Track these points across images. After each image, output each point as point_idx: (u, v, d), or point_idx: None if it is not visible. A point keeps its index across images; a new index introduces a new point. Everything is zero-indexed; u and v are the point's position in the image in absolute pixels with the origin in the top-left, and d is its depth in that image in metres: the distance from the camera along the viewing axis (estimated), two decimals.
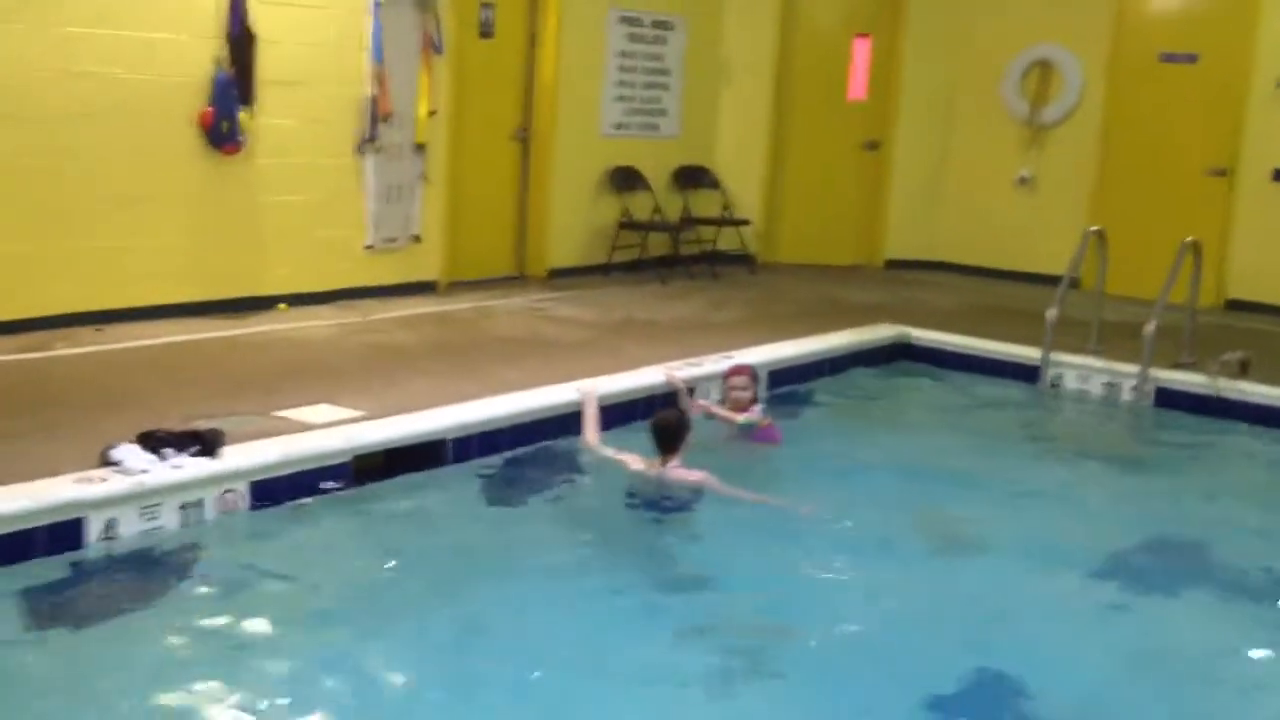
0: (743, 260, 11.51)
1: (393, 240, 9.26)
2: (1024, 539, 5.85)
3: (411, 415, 6.04)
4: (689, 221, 11.33)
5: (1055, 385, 8.26)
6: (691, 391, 7.12)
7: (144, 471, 4.98)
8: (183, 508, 5.02)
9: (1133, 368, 8.08)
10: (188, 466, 5.08)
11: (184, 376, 6.74)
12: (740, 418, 6.64)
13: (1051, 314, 8.16)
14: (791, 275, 11.45)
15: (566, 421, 6.49)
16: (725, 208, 11.53)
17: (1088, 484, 6.84)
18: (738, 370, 6.92)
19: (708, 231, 11.38)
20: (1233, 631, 5.05)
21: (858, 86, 11.99)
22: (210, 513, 5.11)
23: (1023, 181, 11.62)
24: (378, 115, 8.90)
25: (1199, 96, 10.76)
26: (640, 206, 10.96)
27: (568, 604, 4.85)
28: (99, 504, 4.77)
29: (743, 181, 11.77)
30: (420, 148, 9.27)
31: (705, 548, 5.50)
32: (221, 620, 4.49)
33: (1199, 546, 5.93)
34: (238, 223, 8.37)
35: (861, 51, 11.92)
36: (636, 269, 11.02)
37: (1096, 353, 8.39)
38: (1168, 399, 7.93)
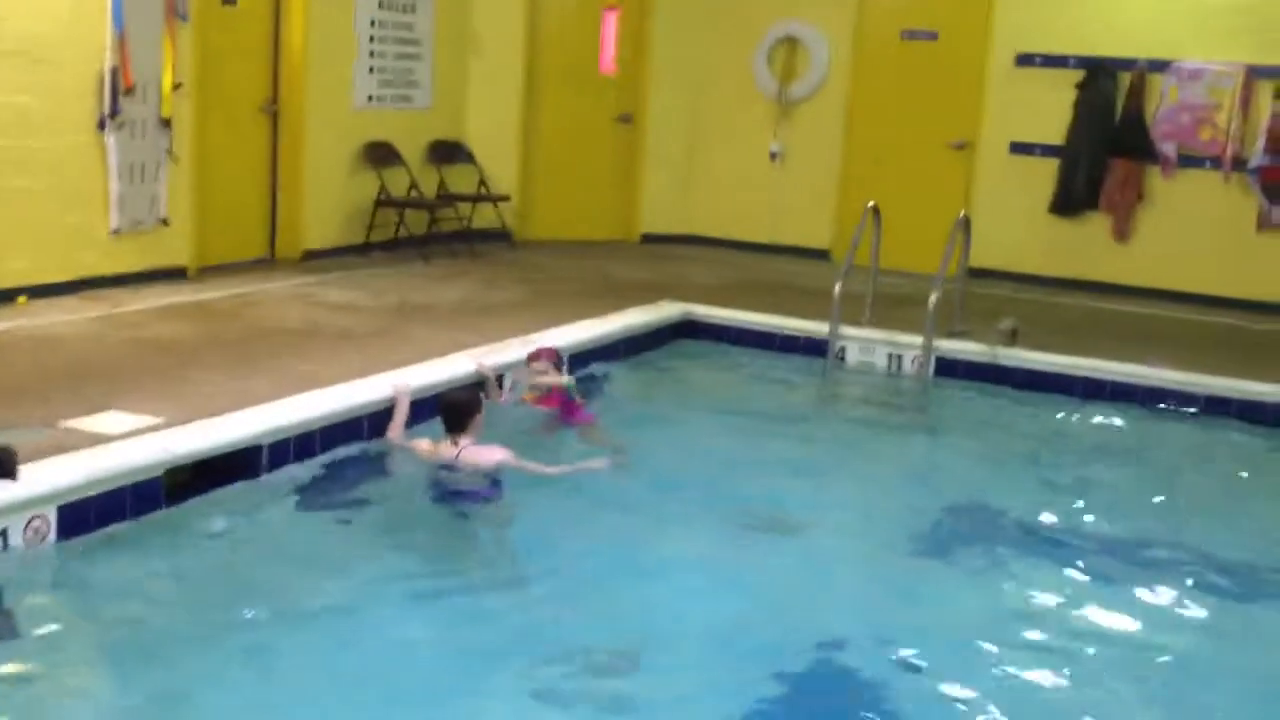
0: (500, 237, 11.20)
1: (139, 224, 8.50)
2: (836, 513, 5.90)
3: (219, 420, 5.52)
4: (447, 198, 10.94)
5: (840, 358, 8.39)
6: (500, 380, 6.85)
7: None
8: None
9: (913, 338, 8.29)
10: None
11: None
12: (562, 379, 6.62)
13: (838, 288, 8.26)
14: (551, 252, 11.22)
15: (381, 419, 6.11)
16: (481, 183, 11.18)
17: (889, 454, 7.00)
18: (538, 354, 6.75)
19: (464, 208, 11.01)
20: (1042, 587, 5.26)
21: (608, 60, 11.84)
22: (16, 543, 4.51)
23: (774, 156, 11.77)
24: (119, 88, 8.12)
25: (940, 72, 11.14)
26: (396, 183, 10.48)
27: (394, 616, 4.58)
28: None
29: (497, 156, 11.43)
30: (165, 123, 8.53)
31: (514, 535, 5.37)
32: (36, 669, 4.00)
33: (995, 510, 6.14)
34: None
35: (611, 24, 11.77)
36: (394, 248, 10.55)
37: (871, 324, 8.57)
38: (947, 368, 8.17)
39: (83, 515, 4.72)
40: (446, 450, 5.69)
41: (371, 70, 10.36)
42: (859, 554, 5.49)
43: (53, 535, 4.63)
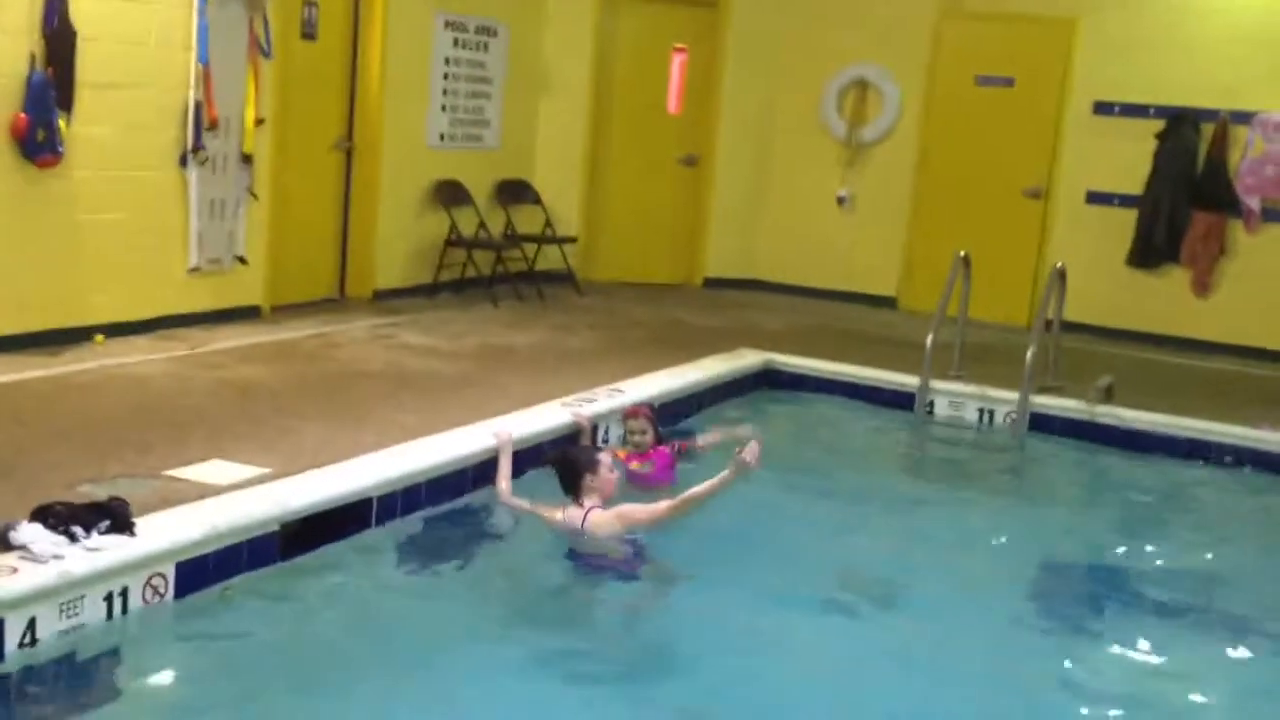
0: (564, 278, 11.03)
1: (217, 261, 8.35)
2: (948, 581, 5.65)
3: (330, 472, 5.34)
4: (514, 238, 10.79)
5: (928, 412, 8.18)
6: (595, 430, 6.67)
7: (57, 557, 4.15)
8: (107, 599, 4.21)
9: (1004, 393, 8.09)
10: (108, 548, 4.26)
11: (31, 428, 5.78)
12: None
13: (930, 340, 8.06)
14: (616, 295, 11.06)
15: (485, 471, 5.92)
16: (547, 224, 11.03)
17: (996, 515, 6.79)
18: (634, 412, 6.47)
19: (529, 248, 10.86)
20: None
21: (675, 101, 11.71)
22: (136, 603, 4.32)
23: (841, 201, 11.61)
24: (203, 123, 7.99)
25: (1015, 119, 10.98)
26: (465, 222, 10.34)
27: (513, 687, 4.35)
28: (18, 602, 3.93)
29: (562, 196, 11.30)
30: (247, 159, 8.39)
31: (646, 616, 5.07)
32: None
33: (1110, 571, 6.01)
34: (52, 244, 7.33)
35: (679, 65, 11.64)
36: (461, 288, 10.40)
37: (959, 377, 8.38)
38: (1041, 424, 7.95)
39: (200, 572, 4.53)
40: (573, 515, 5.36)
41: (444, 108, 10.23)
42: (981, 627, 5.26)
43: (170, 593, 4.43)
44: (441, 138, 10.27)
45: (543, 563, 5.31)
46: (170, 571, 4.42)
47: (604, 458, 5.47)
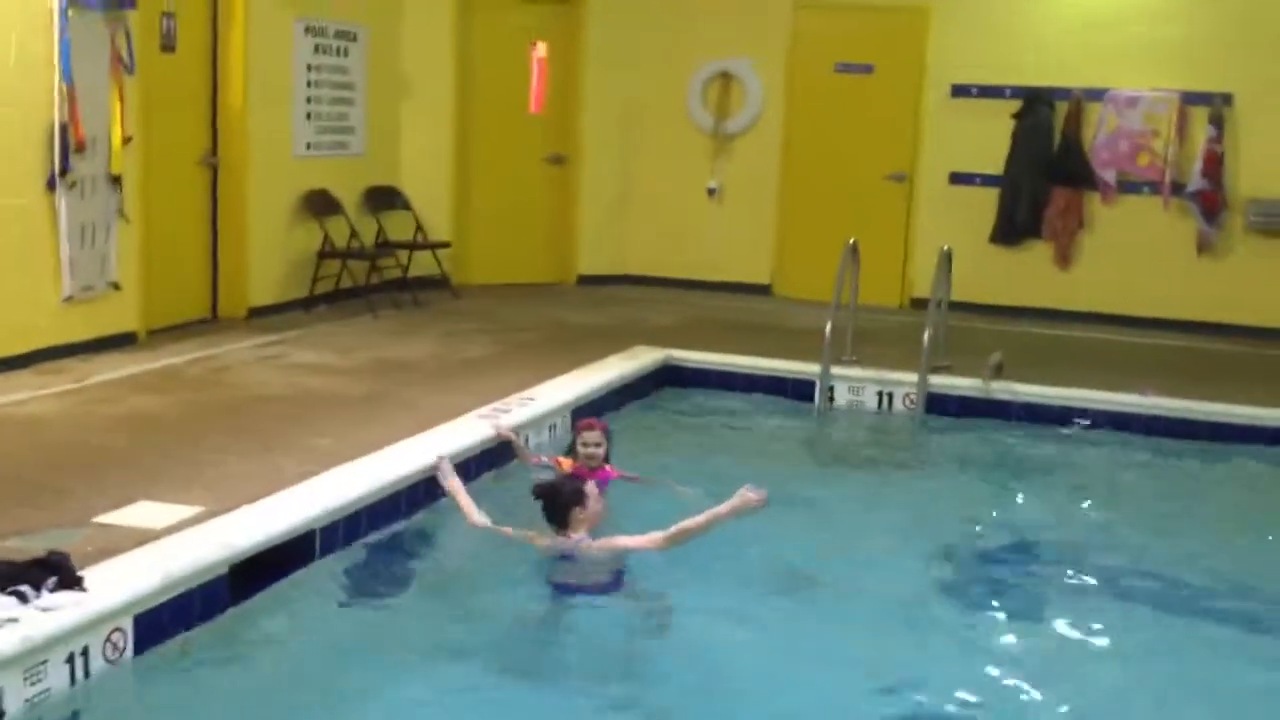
0: (438, 284, 10.84)
1: (90, 288, 7.96)
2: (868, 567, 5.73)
3: (268, 507, 5.13)
4: (386, 246, 10.56)
5: (830, 399, 8.28)
6: (525, 440, 6.57)
7: (11, 620, 3.89)
8: (69, 661, 3.97)
9: (899, 375, 8.25)
10: (63, 606, 4.02)
11: None
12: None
13: (829, 328, 8.15)
14: (492, 297, 10.91)
15: (418, 493, 5.78)
16: (418, 229, 10.82)
17: (907, 497, 6.90)
18: (591, 424, 6.21)
19: (401, 255, 10.64)
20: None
21: (537, 100, 11.58)
22: (98, 663, 4.08)
23: (711, 192, 11.67)
24: (70, 144, 7.60)
25: (876, 105, 11.19)
26: (336, 232, 10.07)
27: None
28: None
29: (431, 200, 11.08)
30: (116, 180, 8.01)
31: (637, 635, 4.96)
32: None
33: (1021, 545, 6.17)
34: None
35: (539, 64, 11.51)
36: (335, 300, 10.13)
37: (854, 362, 8.50)
38: (938, 404, 8.13)
39: (157, 624, 4.31)
40: (562, 543, 5.18)
41: (309, 116, 9.94)
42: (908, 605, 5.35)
43: (129, 650, 4.20)
44: (308, 146, 9.98)
45: (505, 585, 5.18)
46: (129, 626, 4.19)
47: (590, 489, 5.29)
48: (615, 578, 5.09)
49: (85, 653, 4.02)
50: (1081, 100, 10.59)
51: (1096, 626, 5.23)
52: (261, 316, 9.50)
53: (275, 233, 9.67)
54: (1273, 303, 10.37)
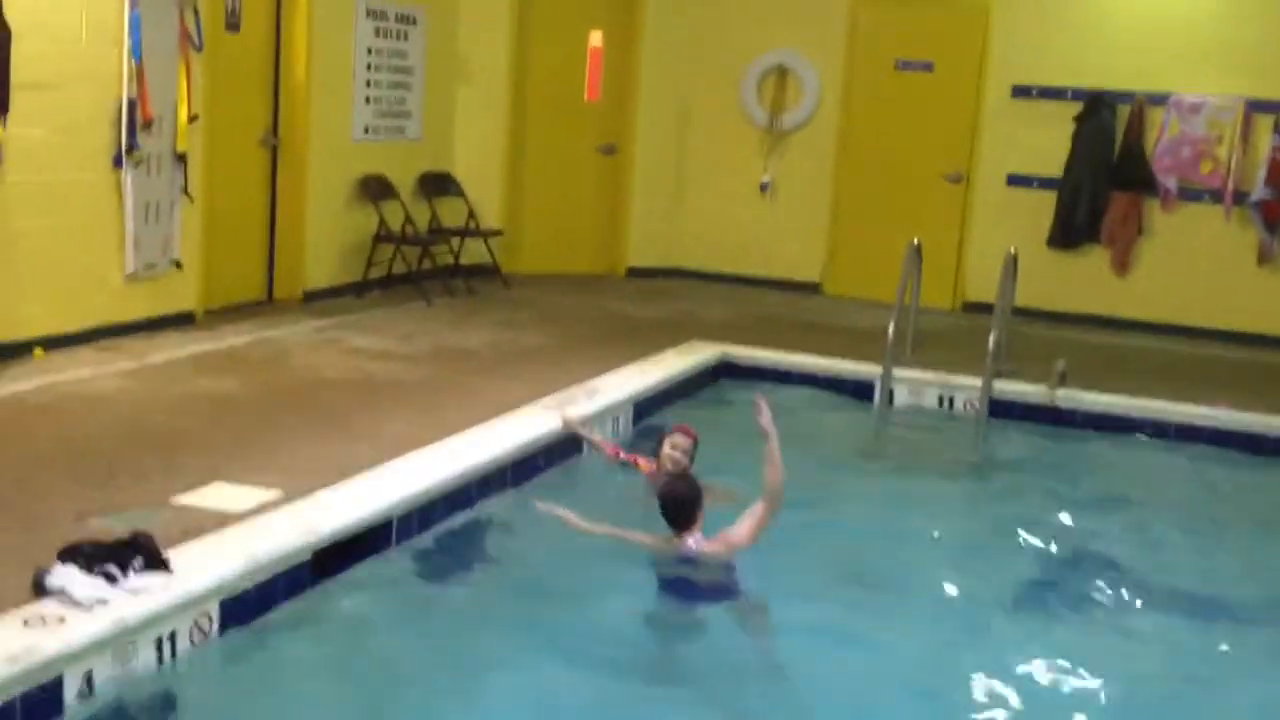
0: (489, 272, 10.80)
1: (152, 266, 7.95)
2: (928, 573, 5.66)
3: (350, 491, 5.10)
4: (440, 232, 10.52)
5: (889, 400, 8.20)
6: (577, 441, 6.50)
7: (101, 601, 3.87)
8: (156, 644, 3.94)
9: (962, 379, 8.17)
10: (151, 588, 3.99)
11: (7, 455, 5.41)
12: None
13: (891, 328, 8.07)
14: (543, 287, 10.86)
15: (490, 481, 5.74)
16: (470, 216, 10.78)
17: (971, 502, 6.84)
18: (685, 430, 6.06)
19: (454, 242, 10.60)
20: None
21: (593, 87, 11.50)
22: (184, 645, 4.05)
23: (764, 187, 11.59)
24: (137, 121, 7.58)
25: (935, 104, 11.08)
26: (391, 217, 10.03)
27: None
28: (77, 654, 3.64)
29: (483, 188, 11.04)
30: (181, 158, 8.00)
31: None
32: None
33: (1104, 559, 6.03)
34: None
35: (597, 52, 11.43)
36: (388, 285, 10.09)
37: (914, 364, 8.43)
38: (1000, 409, 8.04)
39: (242, 607, 4.28)
40: (681, 545, 5.08)
41: (368, 100, 9.90)
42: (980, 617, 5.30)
43: (215, 632, 4.18)
44: (366, 130, 9.94)
45: (571, 570, 5.15)
46: (215, 609, 4.16)
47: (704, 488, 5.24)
48: (730, 577, 5.03)
49: (173, 636, 3.99)
50: (1144, 104, 10.46)
51: (1150, 639, 5.17)
52: (316, 300, 9.48)
53: (332, 216, 9.64)
54: None
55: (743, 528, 5.09)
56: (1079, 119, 10.65)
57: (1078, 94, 10.64)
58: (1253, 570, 5.96)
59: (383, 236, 9.93)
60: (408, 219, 10.17)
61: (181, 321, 8.25)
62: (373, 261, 9.96)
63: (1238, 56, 10.24)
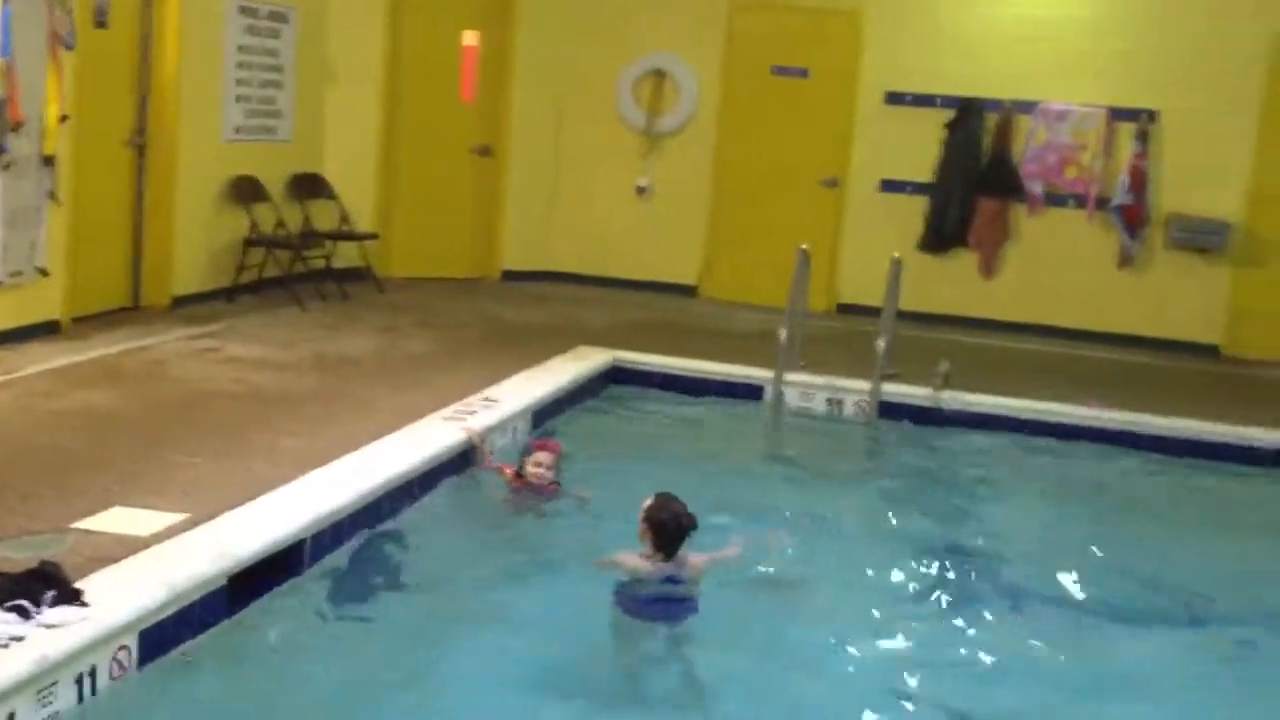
0: (362, 276, 10.55)
1: (19, 274, 7.56)
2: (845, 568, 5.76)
3: (260, 512, 4.91)
4: (312, 235, 10.24)
5: (779, 404, 8.25)
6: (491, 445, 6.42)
7: (16, 638, 3.64)
8: (78, 681, 3.73)
9: (850, 382, 8.27)
10: (68, 621, 3.77)
11: None
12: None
13: (784, 333, 8.13)
14: (420, 291, 10.66)
15: (398, 495, 5.61)
16: (343, 219, 10.52)
17: (864, 502, 6.92)
18: (546, 446, 6.22)
19: (325, 245, 10.33)
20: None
21: (468, 87, 11.32)
22: (104, 680, 3.84)
23: (641, 190, 11.57)
24: (5, 123, 7.20)
25: (811, 110, 11.20)
26: (263, 220, 9.73)
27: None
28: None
29: (355, 189, 10.78)
30: (49, 160, 7.62)
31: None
32: None
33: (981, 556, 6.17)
34: None
35: (472, 51, 11.26)
36: (258, 290, 9.78)
37: (803, 368, 8.49)
38: (888, 411, 8.16)
39: (160, 638, 4.08)
40: (664, 564, 4.98)
41: (238, 100, 9.59)
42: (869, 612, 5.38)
43: (133, 665, 3.97)
44: (237, 131, 9.62)
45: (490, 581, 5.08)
46: (134, 641, 3.95)
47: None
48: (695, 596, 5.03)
49: (93, 672, 3.78)
50: (1012, 112, 10.74)
51: (1040, 627, 5.30)
52: (185, 306, 9.15)
53: (201, 219, 9.31)
54: (1189, 317, 10.65)
55: (718, 555, 5.17)
56: (950, 126, 10.88)
57: (948, 101, 10.86)
58: (1134, 559, 6.13)
59: (254, 240, 9.63)
60: (279, 222, 9.89)
61: (47, 331, 7.87)
62: (243, 265, 9.65)
63: (1102, 66, 10.58)
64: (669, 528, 4.93)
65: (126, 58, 8.65)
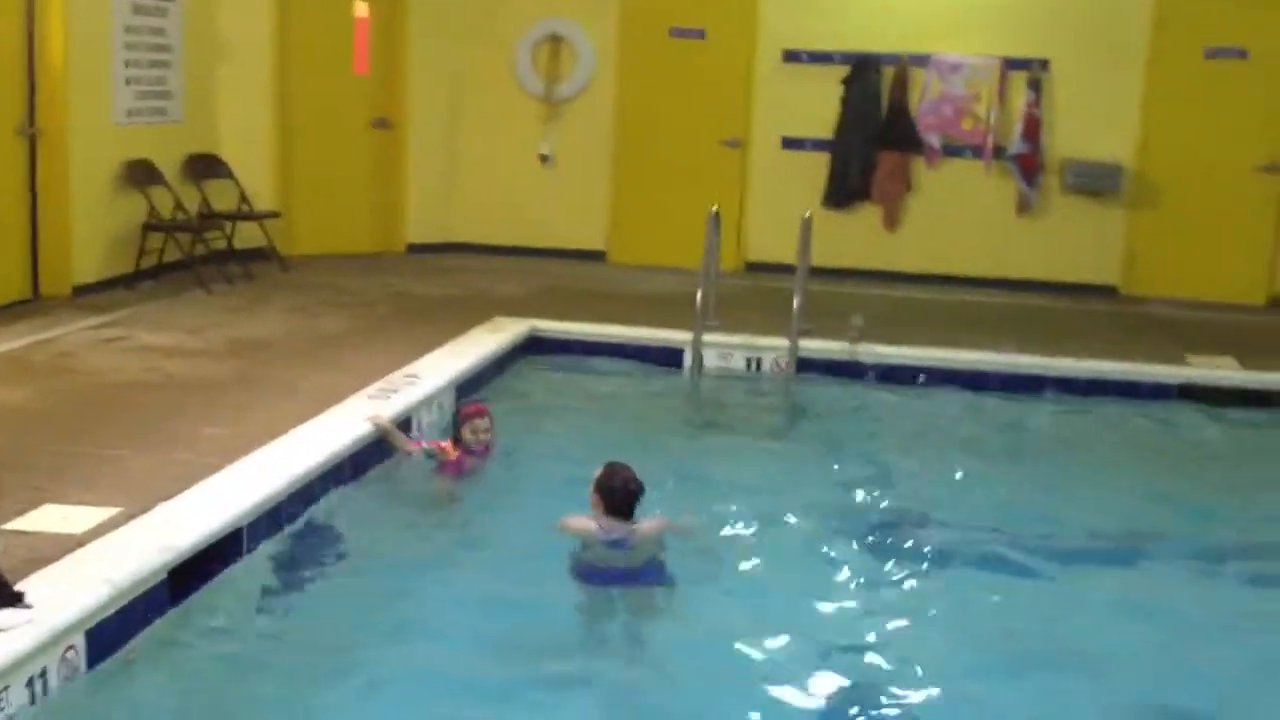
0: (265, 255, 10.35)
1: None
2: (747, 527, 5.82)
3: (192, 504, 4.82)
4: (211, 216, 10.02)
5: (699, 365, 8.30)
6: (405, 428, 6.33)
7: None
8: (29, 685, 3.64)
9: (767, 340, 8.35)
10: (14, 625, 3.68)
11: None
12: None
13: (699, 296, 8.17)
14: (324, 268, 10.49)
15: (329, 477, 5.55)
16: (242, 198, 10.31)
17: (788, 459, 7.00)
18: (479, 411, 6.23)
19: (227, 226, 10.12)
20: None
21: (361, 60, 11.13)
22: (55, 682, 3.76)
23: (544, 158, 11.51)
24: None
25: (710, 71, 11.21)
26: (160, 203, 9.50)
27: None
28: None
29: (253, 168, 10.54)
30: None
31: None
32: None
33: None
34: None
35: (363, 23, 11.07)
36: (160, 275, 9.56)
37: (716, 328, 8.54)
38: (805, 366, 8.25)
39: (107, 636, 4.00)
40: (614, 527, 4.98)
41: (128, 82, 9.33)
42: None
43: (83, 666, 3.89)
44: (128, 114, 9.37)
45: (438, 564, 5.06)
46: (81, 642, 3.87)
47: None
48: (659, 566, 5.03)
49: (44, 675, 3.70)
50: (907, 66, 10.87)
51: (959, 575, 5.42)
52: (86, 295, 8.91)
53: (98, 205, 9.06)
54: (1087, 260, 10.91)
55: (670, 522, 5.20)
56: (847, 82, 10.98)
57: (845, 57, 10.97)
58: (1055, 500, 6.32)
59: (152, 224, 9.40)
60: (178, 204, 9.66)
61: None
62: (144, 251, 9.42)
63: (994, 18, 10.76)
64: (618, 494, 4.96)
65: (11, 44, 8.36)
